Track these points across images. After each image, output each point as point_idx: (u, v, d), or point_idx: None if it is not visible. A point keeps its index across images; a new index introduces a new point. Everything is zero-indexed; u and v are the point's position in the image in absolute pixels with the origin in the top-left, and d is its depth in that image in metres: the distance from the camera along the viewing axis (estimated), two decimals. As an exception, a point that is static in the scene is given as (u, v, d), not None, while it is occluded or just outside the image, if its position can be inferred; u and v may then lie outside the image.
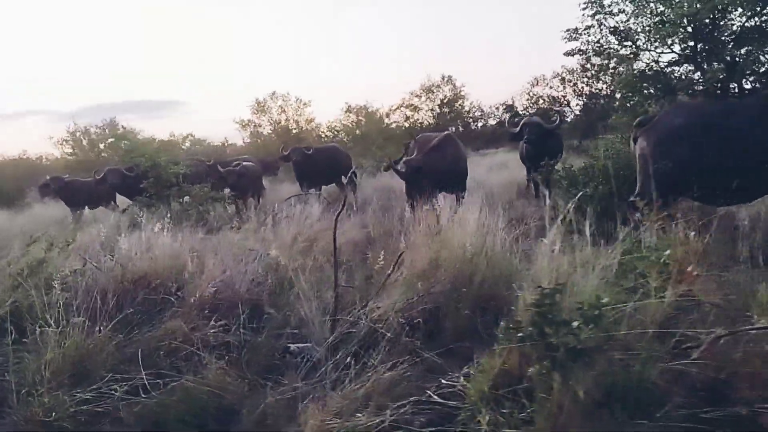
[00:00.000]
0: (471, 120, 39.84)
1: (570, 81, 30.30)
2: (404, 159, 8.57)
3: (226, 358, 3.87)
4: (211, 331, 4.16)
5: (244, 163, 11.79)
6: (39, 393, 3.45)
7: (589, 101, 29.40)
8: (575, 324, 2.23)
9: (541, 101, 34.67)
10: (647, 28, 18.04)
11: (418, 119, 38.37)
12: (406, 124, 38.02)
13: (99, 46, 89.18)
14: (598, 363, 2.29)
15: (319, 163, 12.04)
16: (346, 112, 34.75)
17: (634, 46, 18.40)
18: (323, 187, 12.71)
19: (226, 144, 38.52)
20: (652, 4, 17.91)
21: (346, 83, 64.42)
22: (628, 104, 18.17)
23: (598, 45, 18.54)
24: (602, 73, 20.09)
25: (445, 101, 38.49)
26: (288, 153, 12.32)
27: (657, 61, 18.30)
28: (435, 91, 38.74)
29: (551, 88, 32.96)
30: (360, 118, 34.53)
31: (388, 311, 4.00)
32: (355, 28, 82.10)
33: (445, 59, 67.60)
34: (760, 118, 6.09)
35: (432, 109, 38.72)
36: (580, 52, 18.87)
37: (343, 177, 12.84)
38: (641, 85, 17.95)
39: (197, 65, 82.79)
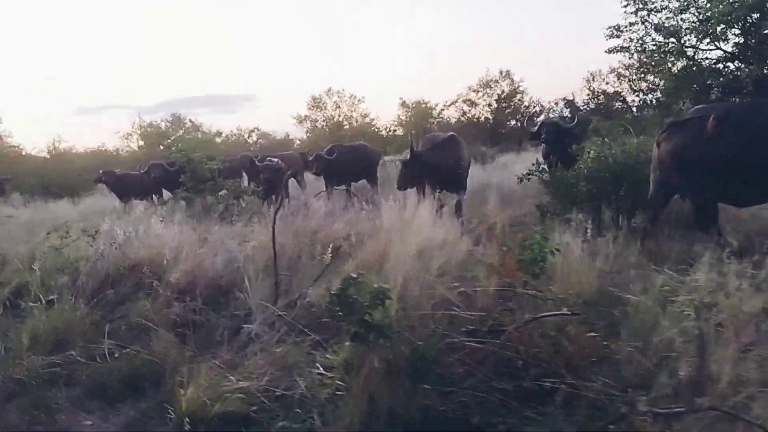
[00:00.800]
0: (530, 115, 39.41)
1: (626, 77, 29.67)
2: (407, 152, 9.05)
3: (179, 333, 4.52)
4: (174, 310, 4.81)
5: (275, 159, 12.44)
6: (22, 357, 4.23)
7: (646, 97, 28.72)
8: (365, 305, 2.72)
9: (602, 96, 34.17)
10: (693, 25, 17.77)
11: (474, 114, 38.43)
12: (463, 119, 38.08)
13: (178, 41, 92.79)
14: (394, 339, 2.79)
15: (343, 164, 12.53)
16: (402, 106, 35.33)
17: (678, 43, 18.14)
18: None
19: (287, 138, 39.75)
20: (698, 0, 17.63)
21: (402, 79, 65.08)
22: (682, 99, 18.01)
23: (641, 42, 18.37)
24: (658, 67, 19.68)
25: (502, 96, 38.30)
26: (311, 160, 12.88)
27: (705, 58, 18.02)
28: (492, 86, 38.56)
29: (607, 83, 32.45)
30: (414, 113, 34.98)
31: (322, 297, 4.55)
32: (412, 24, 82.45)
33: (503, 54, 66.80)
34: None
35: (489, 104, 38.61)
36: (623, 50, 18.74)
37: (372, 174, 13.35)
38: (683, 82, 17.76)
39: (269, 60, 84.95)
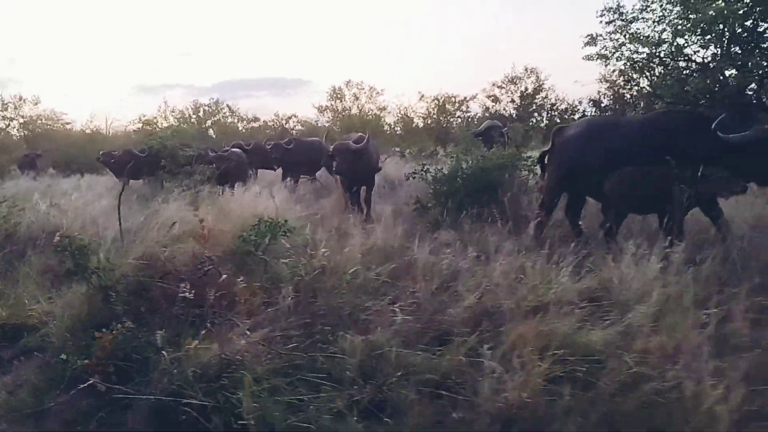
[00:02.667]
0: (556, 113, 39.76)
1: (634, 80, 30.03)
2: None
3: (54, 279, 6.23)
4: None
5: (233, 150, 13.92)
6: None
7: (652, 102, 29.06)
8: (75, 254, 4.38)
9: (626, 97, 34.45)
10: (667, 36, 18.46)
11: (498, 110, 39.18)
12: (486, 115, 38.85)
13: (239, 22, 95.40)
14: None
15: (298, 156, 14.02)
16: (420, 100, 36.61)
17: (654, 53, 18.85)
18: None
19: (317, 126, 41.33)
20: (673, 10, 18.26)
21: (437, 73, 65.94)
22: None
23: (616, 50, 19.12)
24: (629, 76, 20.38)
25: (525, 93, 38.89)
26: (270, 148, 14.41)
27: (675, 68, 18.70)
28: (517, 82, 39.18)
29: (620, 86, 32.78)
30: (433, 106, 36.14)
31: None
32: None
33: (531, 50, 66.52)
34: (641, 132, 7.23)
35: (513, 101, 39.28)
36: (600, 57, 19.49)
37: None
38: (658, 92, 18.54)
39: (324, 45, 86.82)
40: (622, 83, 25.82)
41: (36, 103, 29.89)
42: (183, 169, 13.53)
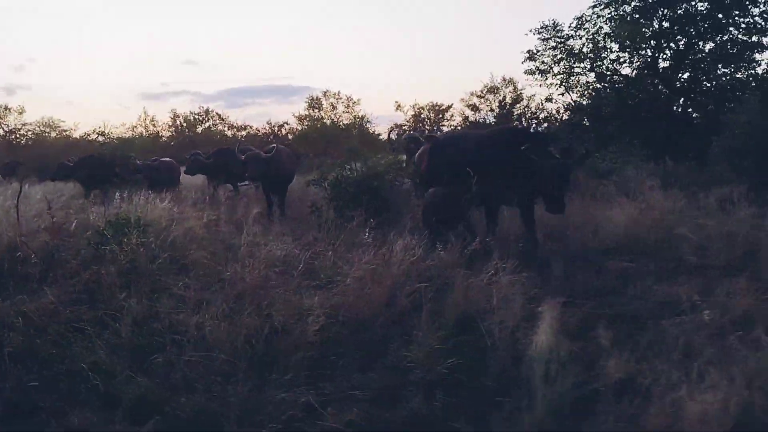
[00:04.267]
0: (536, 122, 40.62)
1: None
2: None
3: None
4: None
5: (163, 159, 15.24)
6: None
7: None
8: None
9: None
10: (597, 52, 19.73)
11: (477, 119, 40.30)
12: (466, 123, 39.97)
13: (246, 32, 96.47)
14: None
15: (215, 166, 15.01)
16: (397, 109, 38.01)
17: (590, 67, 20.13)
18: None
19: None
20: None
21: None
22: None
23: (552, 66, 20.40)
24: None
25: (504, 103, 39.97)
26: (188, 157, 15.68)
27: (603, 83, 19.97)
28: (496, 92, 40.27)
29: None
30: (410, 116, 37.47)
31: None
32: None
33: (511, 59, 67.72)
34: (474, 146, 8.62)
35: (492, 110, 40.36)
36: (539, 72, 20.75)
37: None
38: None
39: (333, 52, 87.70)
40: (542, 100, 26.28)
41: (21, 113, 31.60)
42: (133, 177, 14.89)
